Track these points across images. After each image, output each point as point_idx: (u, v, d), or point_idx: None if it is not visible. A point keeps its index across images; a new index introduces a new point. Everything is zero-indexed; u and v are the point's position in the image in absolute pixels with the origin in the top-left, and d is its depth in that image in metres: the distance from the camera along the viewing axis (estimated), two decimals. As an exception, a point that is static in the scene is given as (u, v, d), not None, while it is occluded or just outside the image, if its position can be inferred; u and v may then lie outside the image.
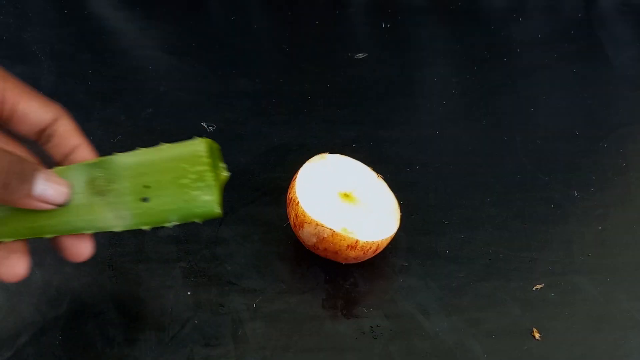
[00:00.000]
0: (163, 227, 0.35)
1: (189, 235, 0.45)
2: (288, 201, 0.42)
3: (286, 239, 0.45)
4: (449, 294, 0.43)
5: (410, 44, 0.61)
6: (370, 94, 0.56)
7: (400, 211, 0.43)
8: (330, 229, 0.39)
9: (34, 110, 0.34)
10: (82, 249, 0.35)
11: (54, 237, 0.35)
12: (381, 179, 0.45)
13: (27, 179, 0.31)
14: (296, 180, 0.42)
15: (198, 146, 0.34)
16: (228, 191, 0.48)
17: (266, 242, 0.45)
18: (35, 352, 0.39)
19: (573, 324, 0.42)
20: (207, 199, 0.34)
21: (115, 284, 0.43)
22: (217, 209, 0.34)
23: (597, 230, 0.47)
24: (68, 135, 0.36)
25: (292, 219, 0.42)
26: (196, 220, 0.35)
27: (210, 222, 0.46)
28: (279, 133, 0.52)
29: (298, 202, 0.41)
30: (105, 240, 0.45)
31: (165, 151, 0.35)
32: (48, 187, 0.32)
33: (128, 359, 0.39)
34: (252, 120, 0.53)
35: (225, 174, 0.36)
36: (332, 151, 0.45)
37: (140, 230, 0.45)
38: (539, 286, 0.44)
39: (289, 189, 0.42)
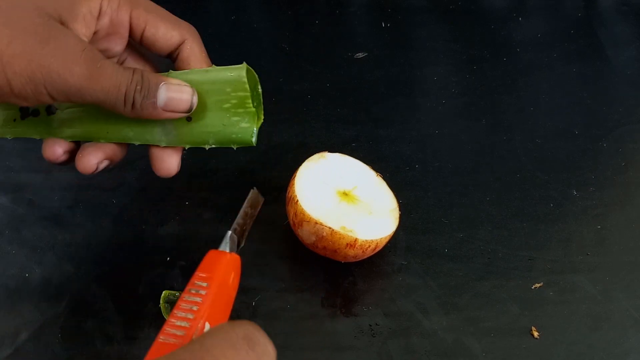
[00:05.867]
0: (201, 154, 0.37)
1: (189, 234, 0.45)
2: (287, 200, 0.42)
3: (285, 238, 0.45)
4: (448, 293, 0.43)
5: (410, 44, 0.61)
6: (369, 94, 0.56)
7: (400, 210, 0.43)
8: (329, 228, 0.39)
9: (161, 34, 0.36)
10: (170, 165, 0.37)
11: (149, 151, 0.37)
12: (380, 178, 0.45)
13: (150, 93, 0.33)
14: (296, 178, 0.42)
15: (240, 71, 0.35)
16: (227, 189, 0.49)
17: (265, 240, 0.45)
18: (35, 349, 0.39)
19: (572, 322, 0.42)
20: (244, 126, 0.35)
21: (114, 282, 0.43)
22: (252, 137, 0.35)
23: (596, 229, 0.47)
24: (188, 60, 0.37)
25: (291, 218, 0.42)
26: (232, 146, 0.36)
27: (210, 220, 0.46)
28: (278, 132, 0.53)
29: (297, 201, 0.41)
30: (104, 238, 0.45)
31: (214, 73, 0.36)
32: (172, 97, 0.33)
33: (127, 356, 0.39)
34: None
35: (261, 109, 0.37)
36: (332, 150, 0.45)
37: (140, 227, 0.46)
38: (537, 285, 0.44)
39: (289, 188, 0.43)
